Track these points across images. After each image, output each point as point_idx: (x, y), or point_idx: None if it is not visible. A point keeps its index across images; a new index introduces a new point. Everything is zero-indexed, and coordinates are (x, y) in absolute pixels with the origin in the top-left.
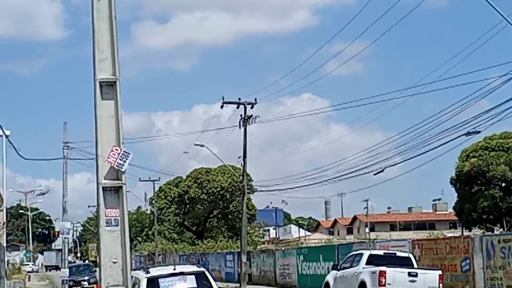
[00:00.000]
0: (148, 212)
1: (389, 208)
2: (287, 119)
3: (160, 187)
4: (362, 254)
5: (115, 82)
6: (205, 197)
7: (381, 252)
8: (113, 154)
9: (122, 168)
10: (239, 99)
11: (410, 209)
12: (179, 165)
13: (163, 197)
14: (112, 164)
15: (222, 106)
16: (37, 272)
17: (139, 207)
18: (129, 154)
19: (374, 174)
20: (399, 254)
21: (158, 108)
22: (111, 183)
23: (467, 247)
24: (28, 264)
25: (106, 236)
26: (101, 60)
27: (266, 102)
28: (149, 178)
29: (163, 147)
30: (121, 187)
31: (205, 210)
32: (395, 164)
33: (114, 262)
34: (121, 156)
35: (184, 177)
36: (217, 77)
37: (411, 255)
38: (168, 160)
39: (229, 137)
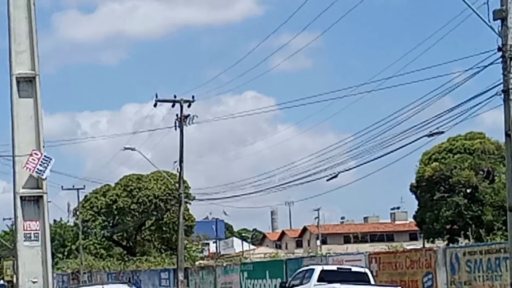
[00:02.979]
0: (72, 224)
1: (342, 218)
2: (229, 120)
3: (85, 196)
4: (313, 269)
5: (34, 77)
6: (136, 207)
7: (334, 267)
8: (33, 159)
9: (42, 175)
10: (175, 96)
11: (366, 219)
12: (108, 172)
13: (88, 207)
14: (31, 171)
15: (155, 105)
16: None
17: (60, 219)
18: (51, 159)
19: (327, 180)
20: (354, 269)
21: (83, 107)
22: (30, 192)
23: (429, 261)
24: None
25: (24, 252)
26: (18, 53)
27: (205, 100)
28: (73, 186)
29: (89, 151)
30: (41, 196)
31: (137, 222)
32: (350, 169)
33: (34, 282)
34: (41, 162)
35: (113, 185)
36: (150, 73)
37: (367, 270)
38: (95, 165)
39: (163, 140)
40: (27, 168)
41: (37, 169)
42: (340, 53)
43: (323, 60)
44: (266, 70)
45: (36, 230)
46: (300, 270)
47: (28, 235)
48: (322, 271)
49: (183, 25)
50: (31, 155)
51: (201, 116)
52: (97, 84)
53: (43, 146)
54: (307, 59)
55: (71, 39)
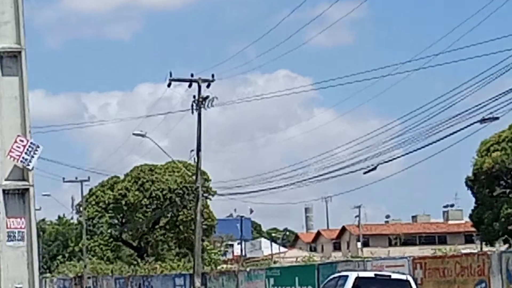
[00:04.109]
0: (75, 222)
1: (387, 217)
2: (257, 102)
3: (90, 190)
4: (347, 276)
5: (19, 52)
6: (148, 202)
7: (371, 274)
8: (17, 146)
9: (29, 165)
10: (192, 75)
11: (414, 218)
12: (116, 162)
13: (94, 203)
14: (15, 160)
15: (169, 85)
16: None
17: (63, 216)
18: (38, 146)
19: (364, 173)
20: (394, 276)
21: (91, 88)
22: (14, 184)
23: (482, 267)
24: None
25: (8, 253)
26: (1, 24)
27: (229, 80)
28: (76, 178)
29: (96, 138)
30: (27, 189)
31: (149, 220)
32: (391, 160)
33: None
34: (27, 150)
35: (122, 177)
36: (166, 49)
37: (410, 278)
38: (103, 155)
39: (181, 126)
40: (11, 157)
41: (23, 157)
42: (385, 26)
43: (366, 34)
44: (302, 47)
45: (20, 228)
46: (333, 276)
47: (11, 234)
48: (357, 278)
49: None
50: (15, 141)
51: (224, 98)
52: (107, 61)
53: (29, 132)
54: (348, 33)
55: (77, 10)
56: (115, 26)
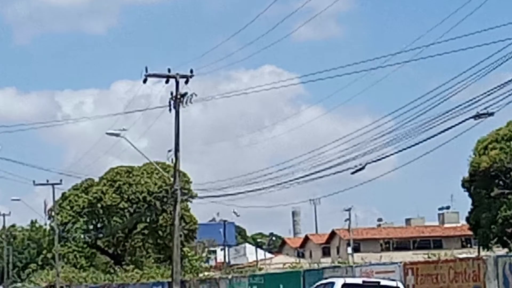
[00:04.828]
0: (48, 228)
1: (379, 220)
2: (242, 100)
3: (63, 194)
4: (333, 283)
5: None
6: (126, 206)
7: (359, 281)
8: None
9: None
10: (169, 70)
11: (408, 221)
12: (90, 163)
13: (67, 207)
14: None
15: (145, 81)
16: None
17: (35, 221)
18: None
19: (352, 173)
20: (384, 283)
21: (64, 85)
22: None
23: (477, 272)
24: None
25: None
26: None
27: (210, 76)
28: (47, 181)
29: (70, 138)
30: None
31: (126, 225)
32: (383, 158)
33: None
34: None
35: (97, 180)
36: (144, 44)
37: (400, 284)
38: (77, 156)
39: (161, 125)
40: None
41: None
42: (375, 18)
43: (354, 27)
44: (285, 37)
45: None
46: (319, 283)
47: None
48: (344, 284)
49: None
50: None
51: (206, 96)
52: (81, 57)
53: None
54: (336, 26)
55: (49, 3)
56: (89, 20)
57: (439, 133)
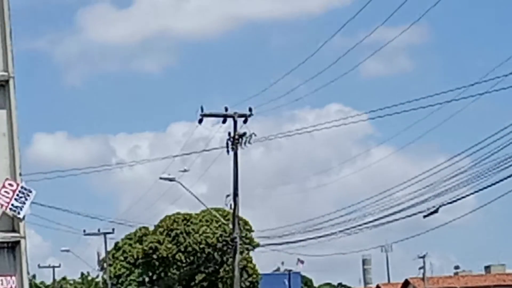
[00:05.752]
0: (100, 280)
1: (457, 267)
2: (306, 141)
3: (116, 244)
4: None
5: (7, 81)
6: (183, 257)
7: None
8: (6, 192)
9: (19, 213)
10: (226, 109)
11: (488, 268)
12: (144, 210)
13: (121, 258)
14: (4, 208)
15: (200, 121)
16: None
17: (87, 274)
18: (30, 191)
19: (424, 216)
20: None
21: (118, 129)
22: (2, 236)
23: None
24: None
25: None
26: None
27: (275, 116)
28: (99, 230)
29: (123, 184)
30: (18, 242)
31: (183, 277)
32: (458, 199)
33: None
34: (17, 195)
35: (151, 228)
36: (202, 83)
37: None
38: (132, 203)
39: (221, 169)
40: None
41: (12, 205)
42: (450, 50)
43: (427, 61)
44: (356, 77)
45: None
46: None
47: None
48: None
49: (246, 20)
50: (3, 186)
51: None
52: (136, 98)
53: (20, 174)
54: (406, 60)
55: (101, 42)
56: (143, 59)
57: None
